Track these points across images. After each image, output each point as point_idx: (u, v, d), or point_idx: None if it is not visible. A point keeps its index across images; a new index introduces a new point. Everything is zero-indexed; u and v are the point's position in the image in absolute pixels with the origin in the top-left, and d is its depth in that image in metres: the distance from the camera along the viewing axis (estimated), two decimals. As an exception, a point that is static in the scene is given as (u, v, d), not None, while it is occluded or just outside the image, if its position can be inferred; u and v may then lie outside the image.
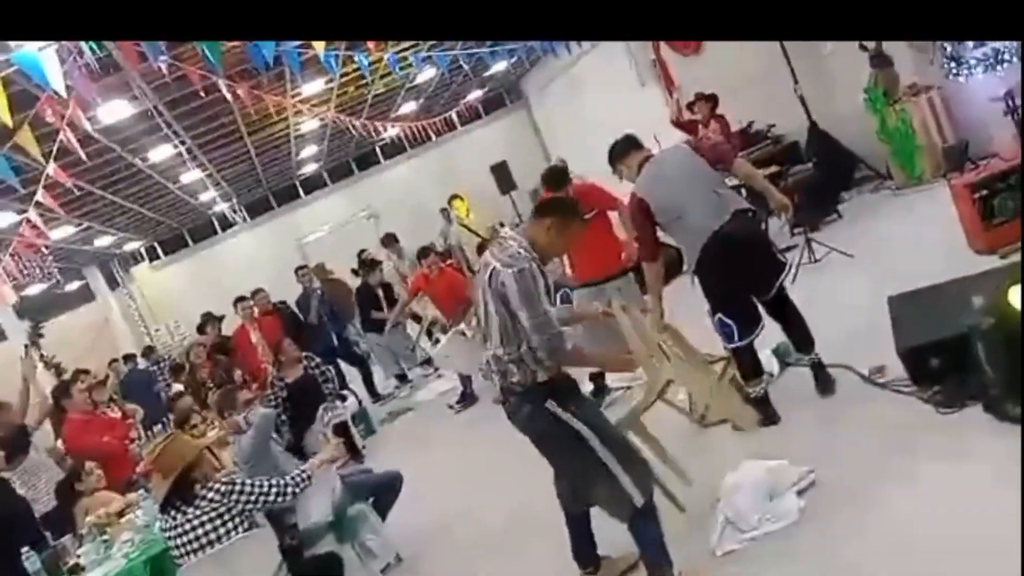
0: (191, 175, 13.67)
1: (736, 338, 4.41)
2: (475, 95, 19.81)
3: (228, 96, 7.75)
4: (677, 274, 9.00)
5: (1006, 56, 7.25)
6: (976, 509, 3.07)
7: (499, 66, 16.46)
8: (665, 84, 13.53)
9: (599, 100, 16.19)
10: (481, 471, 6.13)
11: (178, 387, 8.78)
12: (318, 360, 8.07)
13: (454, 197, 10.53)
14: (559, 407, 3.25)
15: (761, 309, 4.53)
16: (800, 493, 3.72)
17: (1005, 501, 3.00)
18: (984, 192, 5.62)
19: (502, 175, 16.08)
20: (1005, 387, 3.55)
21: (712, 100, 9.20)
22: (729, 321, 4.38)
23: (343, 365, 10.12)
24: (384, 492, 5.20)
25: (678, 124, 9.43)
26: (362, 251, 12.85)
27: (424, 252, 8.84)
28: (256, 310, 9.24)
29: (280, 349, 7.91)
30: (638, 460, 3.36)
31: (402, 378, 10.23)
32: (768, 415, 4.43)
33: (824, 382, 4.61)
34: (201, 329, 9.98)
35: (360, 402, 9.19)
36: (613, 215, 5.88)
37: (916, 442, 3.76)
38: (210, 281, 18.12)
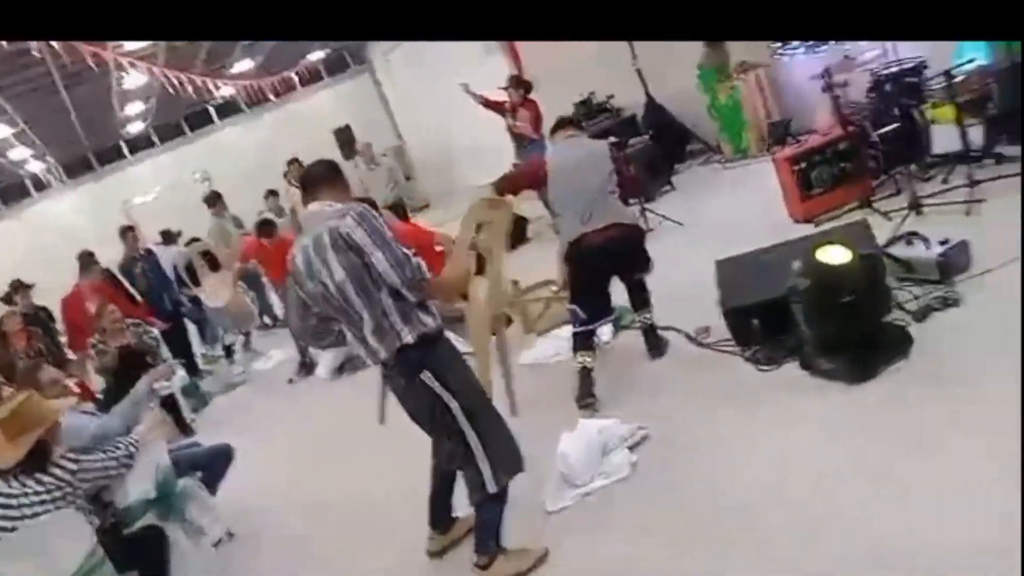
0: (-1, 131, 12.47)
1: (581, 325, 4.64)
2: (316, 55, 19.12)
3: (40, 47, 7.07)
4: (518, 243, 9.15)
5: (825, 38, 7.72)
6: (791, 456, 3.29)
7: (341, 27, 15.97)
8: (509, 53, 13.56)
9: (444, 67, 16.01)
10: (316, 444, 6.00)
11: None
12: (145, 327, 7.59)
13: (292, 161, 10.09)
14: (435, 379, 3.12)
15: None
16: (632, 449, 3.85)
17: (818, 447, 3.27)
18: (803, 165, 5.98)
19: (345, 140, 15.66)
20: (818, 344, 3.80)
21: (524, 85, 9.24)
22: (581, 313, 4.62)
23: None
24: (213, 466, 4.92)
25: (486, 104, 9.56)
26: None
27: (266, 227, 8.41)
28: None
29: (101, 315, 7.35)
30: (504, 443, 3.25)
31: (228, 350, 9.79)
32: (585, 391, 4.51)
33: (655, 344, 4.85)
34: (8, 299, 9.10)
35: (191, 373, 8.71)
36: None
37: (737, 397, 3.98)
38: (25, 246, 16.73)
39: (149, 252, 9.57)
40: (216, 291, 9.34)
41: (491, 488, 3.17)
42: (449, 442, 3.25)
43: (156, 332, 7.82)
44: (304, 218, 3.28)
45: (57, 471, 3.59)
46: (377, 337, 3.10)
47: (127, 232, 9.62)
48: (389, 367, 3.21)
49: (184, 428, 7.15)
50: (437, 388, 3.12)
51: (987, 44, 6.10)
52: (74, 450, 3.78)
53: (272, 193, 10.95)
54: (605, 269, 4.70)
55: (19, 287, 8.97)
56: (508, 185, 4.98)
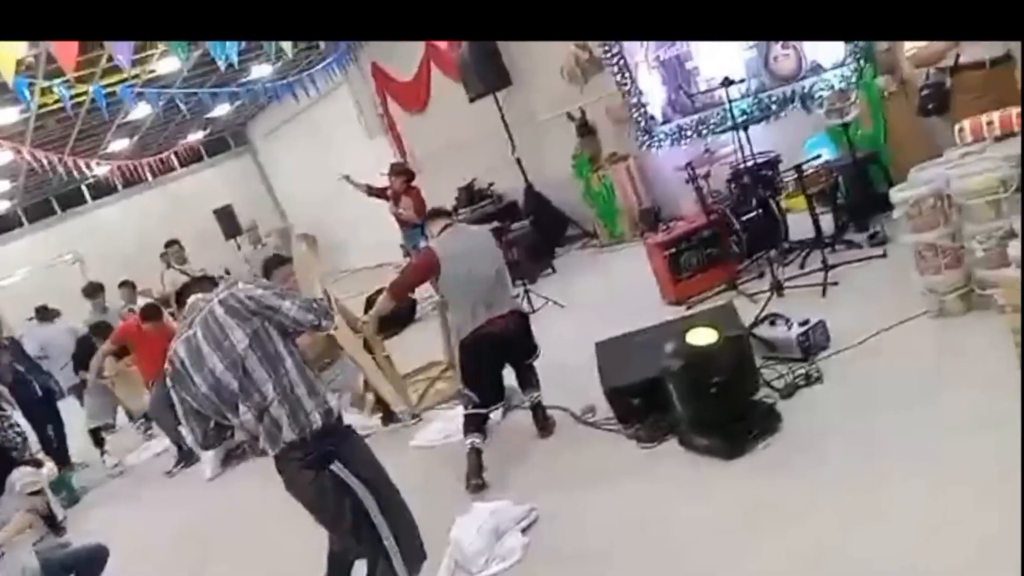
0: None
1: (474, 407, 4.72)
2: (196, 136, 18.88)
3: None
4: (408, 323, 9.22)
5: (688, 133, 8.35)
6: (675, 530, 3.47)
7: (221, 109, 15.88)
8: (392, 139, 13.87)
9: (328, 149, 16.19)
10: (198, 538, 5.78)
11: None
12: (13, 420, 7.17)
13: (171, 243, 9.90)
14: (346, 470, 2.99)
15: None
16: (524, 531, 3.93)
17: (699, 520, 3.44)
18: (673, 250, 6.36)
19: (226, 219, 15.36)
20: (693, 422, 4.03)
21: (406, 174, 9.41)
22: (475, 396, 4.72)
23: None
24: (86, 567, 4.71)
25: (369, 192, 9.72)
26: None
27: (152, 312, 8.02)
28: None
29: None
30: (412, 532, 3.20)
31: (97, 437, 9.14)
32: (475, 472, 4.58)
33: (543, 423, 4.99)
34: None
35: (61, 467, 8.23)
36: None
37: (622, 475, 4.15)
38: None
39: (13, 340, 9.12)
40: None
41: None
42: (351, 535, 3.11)
43: (21, 425, 7.39)
44: (187, 310, 3.18)
45: None
46: (284, 414, 2.95)
47: None
48: (289, 457, 3.02)
49: (54, 527, 6.75)
50: (350, 481, 2.99)
51: (833, 141, 6.77)
52: None
53: (99, 288, 10.44)
54: (503, 356, 4.80)
55: None
56: (401, 290, 5.01)
